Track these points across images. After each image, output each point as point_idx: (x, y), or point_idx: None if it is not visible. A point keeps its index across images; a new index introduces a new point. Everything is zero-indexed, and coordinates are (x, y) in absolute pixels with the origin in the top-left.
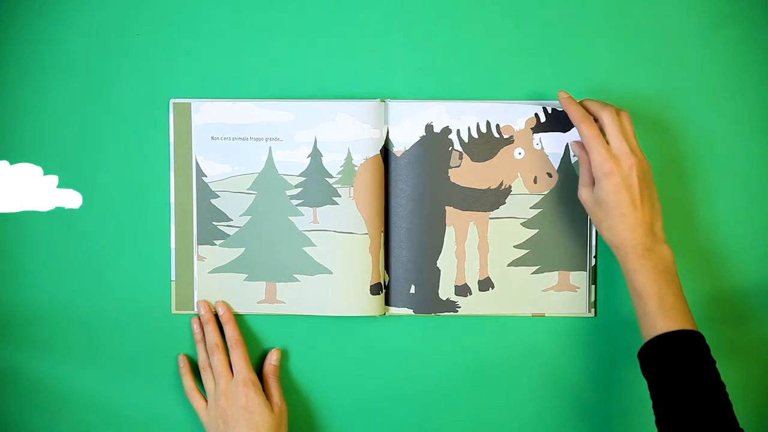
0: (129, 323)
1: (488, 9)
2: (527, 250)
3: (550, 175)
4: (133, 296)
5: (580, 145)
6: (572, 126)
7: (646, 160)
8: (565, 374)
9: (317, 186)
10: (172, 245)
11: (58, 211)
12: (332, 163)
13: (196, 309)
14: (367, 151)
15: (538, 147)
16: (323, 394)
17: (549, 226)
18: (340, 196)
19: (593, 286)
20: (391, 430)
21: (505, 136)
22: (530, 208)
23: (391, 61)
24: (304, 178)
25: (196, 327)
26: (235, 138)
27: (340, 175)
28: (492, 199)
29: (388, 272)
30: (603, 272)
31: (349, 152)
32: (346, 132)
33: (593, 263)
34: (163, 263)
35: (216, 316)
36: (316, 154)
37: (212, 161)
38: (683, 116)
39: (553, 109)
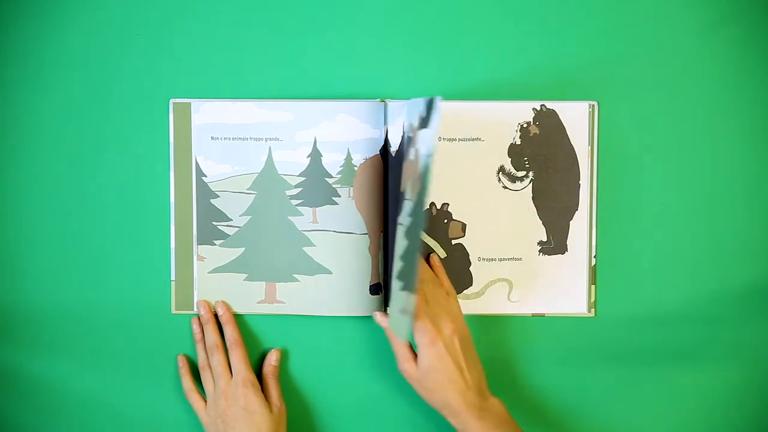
0: (129, 323)
1: (488, 9)
2: None
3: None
4: (133, 296)
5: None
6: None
7: (465, 323)
8: (564, 374)
9: (317, 186)
10: (172, 245)
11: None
12: (332, 163)
13: (195, 309)
14: (366, 151)
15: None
16: (322, 394)
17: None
18: (339, 196)
19: (593, 286)
20: (390, 430)
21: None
22: None
23: (391, 61)
24: (304, 178)
25: (195, 327)
26: (235, 138)
27: (339, 175)
28: None
29: (387, 272)
30: (603, 272)
31: (348, 152)
32: (345, 132)
33: (593, 263)
34: (162, 263)
35: (216, 316)
36: (315, 154)
37: (212, 161)
38: (683, 116)
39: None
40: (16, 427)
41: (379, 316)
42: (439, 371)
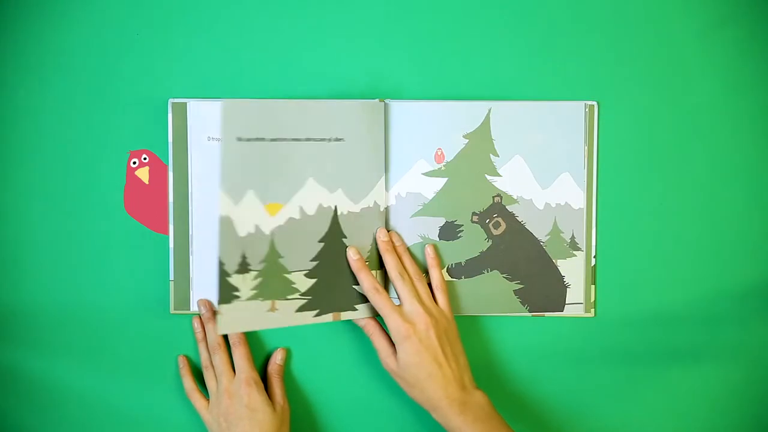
0: (128, 323)
1: (489, 10)
2: None
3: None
4: (131, 296)
5: (367, 321)
6: None
7: (447, 317)
8: (564, 374)
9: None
10: (171, 245)
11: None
12: None
13: (194, 308)
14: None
15: None
16: (324, 394)
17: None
18: None
19: (593, 286)
20: (392, 428)
21: None
22: None
23: (391, 61)
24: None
25: (197, 326)
26: None
27: None
28: None
29: None
30: (603, 272)
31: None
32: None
33: (593, 263)
34: (161, 263)
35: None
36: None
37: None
38: (683, 116)
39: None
40: (16, 427)
41: (362, 322)
42: (416, 366)
